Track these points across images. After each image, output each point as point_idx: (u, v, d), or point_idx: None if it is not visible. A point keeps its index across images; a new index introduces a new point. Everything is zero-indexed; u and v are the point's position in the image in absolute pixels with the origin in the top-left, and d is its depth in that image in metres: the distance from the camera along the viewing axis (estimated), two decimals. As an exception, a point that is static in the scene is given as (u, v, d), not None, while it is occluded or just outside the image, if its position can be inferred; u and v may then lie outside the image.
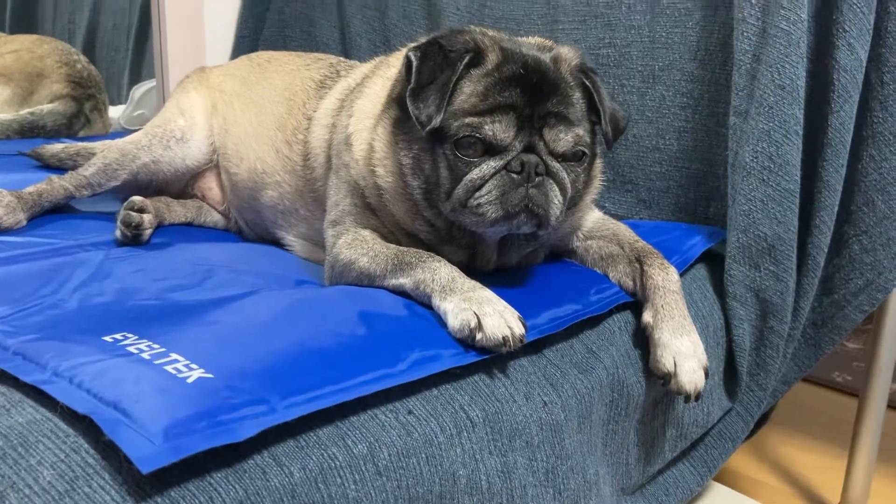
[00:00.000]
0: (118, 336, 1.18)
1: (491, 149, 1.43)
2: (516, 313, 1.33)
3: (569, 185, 1.49)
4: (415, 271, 1.44)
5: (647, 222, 2.05)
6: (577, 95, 1.52)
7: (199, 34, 2.90)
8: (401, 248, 1.51)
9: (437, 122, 1.40)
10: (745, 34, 1.85)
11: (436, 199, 1.50)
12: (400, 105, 1.53)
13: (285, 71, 2.09)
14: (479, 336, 1.27)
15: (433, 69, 1.45)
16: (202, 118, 2.09)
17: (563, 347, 1.49)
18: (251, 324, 1.25)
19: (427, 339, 1.27)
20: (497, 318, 1.28)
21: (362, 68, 1.87)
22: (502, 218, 1.43)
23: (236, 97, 2.07)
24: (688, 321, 1.53)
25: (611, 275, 1.71)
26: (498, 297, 1.34)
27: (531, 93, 1.45)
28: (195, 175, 2.13)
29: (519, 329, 1.30)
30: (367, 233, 1.60)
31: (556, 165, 1.47)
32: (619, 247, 1.72)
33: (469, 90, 1.45)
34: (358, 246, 1.57)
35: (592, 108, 1.55)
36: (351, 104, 1.70)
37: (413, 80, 1.44)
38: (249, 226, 2.09)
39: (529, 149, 1.45)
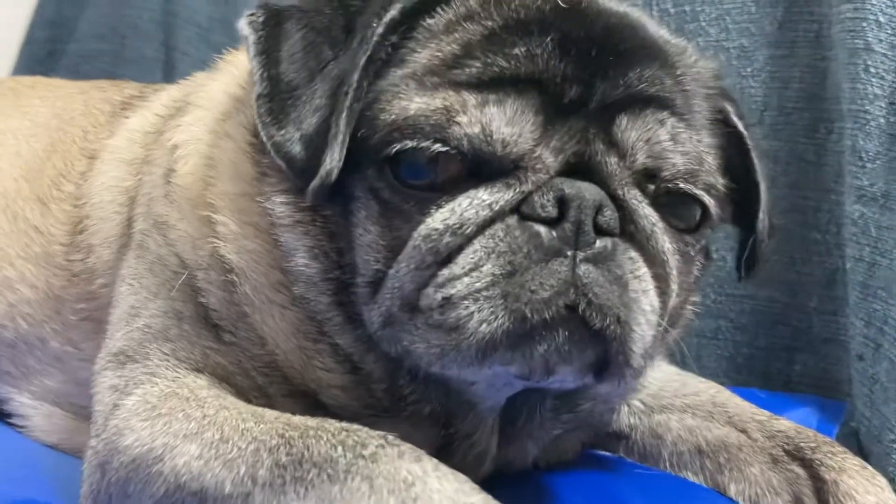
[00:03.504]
0: None
1: (482, 168, 0.82)
2: None
3: (673, 267, 0.87)
4: (347, 485, 0.73)
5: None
6: (700, 106, 0.93)
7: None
8: (290, 416, 0.83)
9: (332, 162, 0.81)
10: (873, 70, 1.42)
11: (354, 301, 0.87)
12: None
13: (58, 95, 1.54)
14: None
15: (311, 36, 0.87)
16: None
17: None
18: None
19: None
20: None
21: (200, 76, 1.28)
22: (512, 338, 0.78)
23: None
24: None
25: (731, 489, 1.06)
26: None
27: (582, 55, 0.83)
28: None
29: None
30: (198, 380, 0.91)
31: (644, 210, 0.84)
32: (740, 431, 1.10)
33: (429, 53, 0.86)
34: (177, 412, 0.85)
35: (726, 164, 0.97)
36: (181, 115, 1.11)
37: (262, 73, 0.86)
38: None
39: (578, 168, 0.82)
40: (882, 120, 1.41)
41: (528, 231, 0.78)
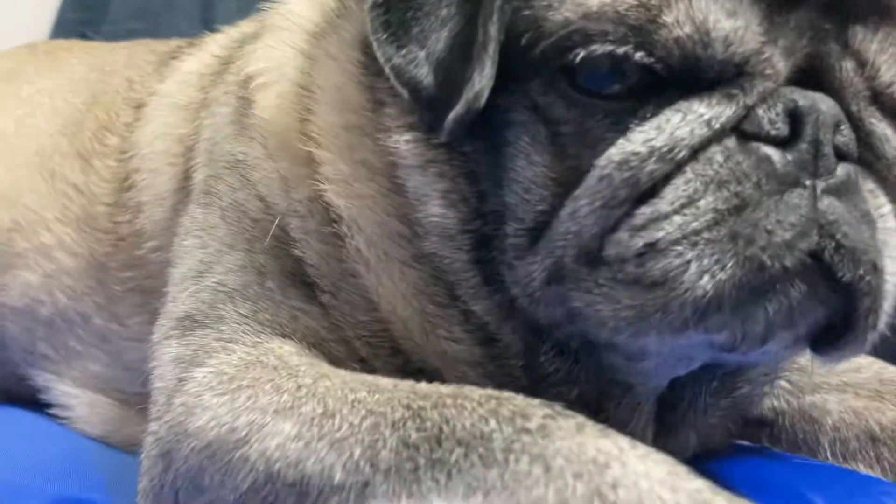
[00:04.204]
0: None
1: (694, 74, 0.65)
2: None
3: None
4: (510, 469, 0.57)
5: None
6: None
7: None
8: (414, 383, 0.69)
9: (482, 81, 0.66)
10: None
11: (496, 257, 0.72)
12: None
13: (97, 53, 1.46)
14: None
15: None
16: None
17: None
18: None
19: None
20: None
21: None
22: (744, 293, 0.62)
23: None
24: None
25: None
26: None
27: None
28: None
29: None
30: (286, 346, 0.78)
31: (886, 132, 0.68)
32: None
33: None
34: (264, 383, 0.71)
35: None
36: (253, 44, 0.97)
37: None
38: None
39: (807, 76, 0.67)
40: None
41: (756, 154, 0.64)
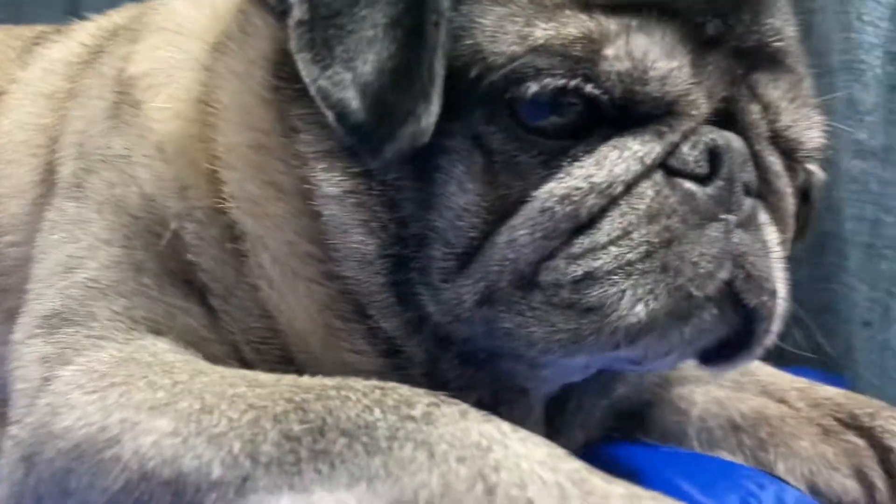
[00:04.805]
0: None
1: (626, 111, 0.68)
2: None
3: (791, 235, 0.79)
4: (394, 455, 0.57)
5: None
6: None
7: None
8: (297, 377, 0.67)
9: (430, 117, 0.64)
10: (867, 18, 1.38)
11: (425, 276, 0.72)
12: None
13: None
14: None
15: None
16: None
17: None
18: None
19: None
20: None
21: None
22: (671, 318, 0.67)
23: None
24: None
25: (780, 467, 0.93)
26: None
27: None
28: None
29: None
30: (161, 343, 0.74)
31: (779, 169, 0.74)
32: (779, 401, 0.98)
33: None
34: (137, 380, 0.67)
35: None
36: (132, 43, 0.91)
37: None
38: None
39: (722, 116, 0.71)
40: (879, 70, 1.34)
41: (682, 190, 0.67)
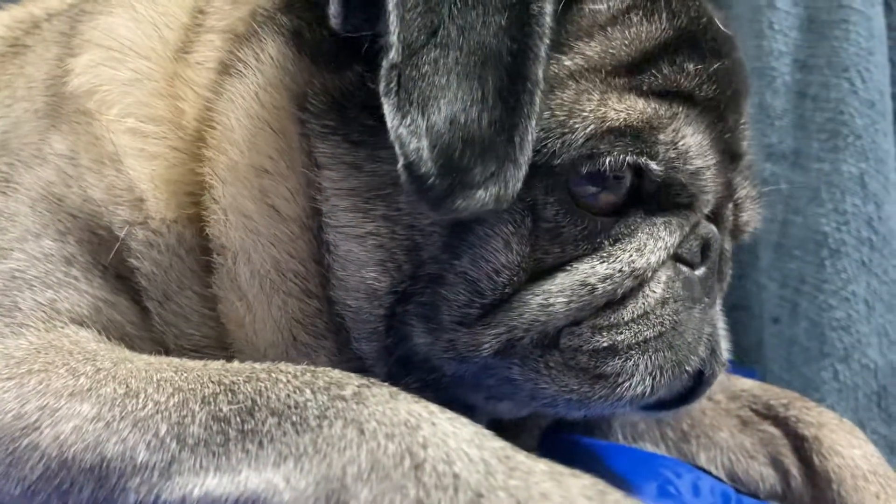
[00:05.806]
0: None
1: (655, 195, 0.72)
2: None
3: None
4: (324, 433, 0.57)
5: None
6: None
7: None
8: (226, 363, 0.66)
9: (515, 185, 0.62)
10: (777, 27, 1.41)
11: (409, 311, 0.72)
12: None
13: None
14: None
15: None
16: None
17: None
18: None
19: None
20: None
21: None
22: (666, 388, 0.74)
23: None
24: None
25: (702, 458, 0.97)
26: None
27: (734, 86, 0.75)
28: None
29: None
30: (83, 332, 0.73)
31: (729, 254, 0.84)
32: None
33: (600, 47, 0.70)
34: (57, 367, 0.66)
35: None
36: (64, 42, 0.86)
37: (398, 18, 0.61)
38: None
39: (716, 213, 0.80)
40: (788, 77, 1.39)
41: (685, 277, 0.73)
